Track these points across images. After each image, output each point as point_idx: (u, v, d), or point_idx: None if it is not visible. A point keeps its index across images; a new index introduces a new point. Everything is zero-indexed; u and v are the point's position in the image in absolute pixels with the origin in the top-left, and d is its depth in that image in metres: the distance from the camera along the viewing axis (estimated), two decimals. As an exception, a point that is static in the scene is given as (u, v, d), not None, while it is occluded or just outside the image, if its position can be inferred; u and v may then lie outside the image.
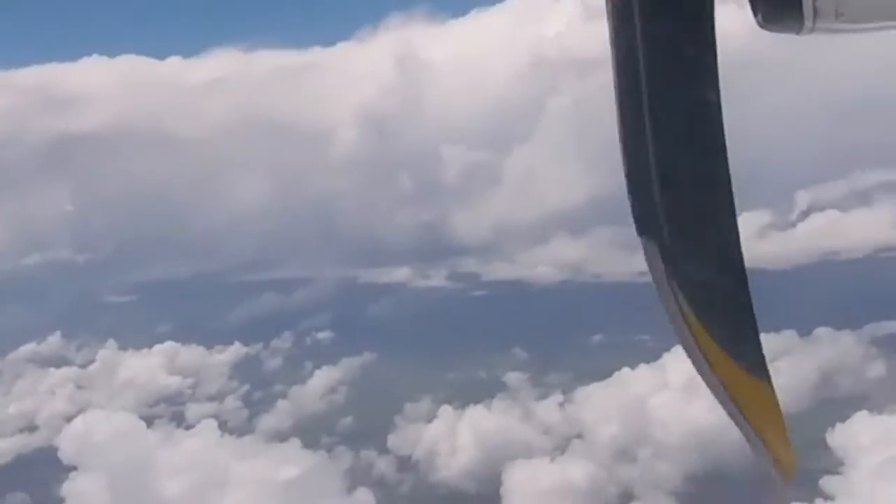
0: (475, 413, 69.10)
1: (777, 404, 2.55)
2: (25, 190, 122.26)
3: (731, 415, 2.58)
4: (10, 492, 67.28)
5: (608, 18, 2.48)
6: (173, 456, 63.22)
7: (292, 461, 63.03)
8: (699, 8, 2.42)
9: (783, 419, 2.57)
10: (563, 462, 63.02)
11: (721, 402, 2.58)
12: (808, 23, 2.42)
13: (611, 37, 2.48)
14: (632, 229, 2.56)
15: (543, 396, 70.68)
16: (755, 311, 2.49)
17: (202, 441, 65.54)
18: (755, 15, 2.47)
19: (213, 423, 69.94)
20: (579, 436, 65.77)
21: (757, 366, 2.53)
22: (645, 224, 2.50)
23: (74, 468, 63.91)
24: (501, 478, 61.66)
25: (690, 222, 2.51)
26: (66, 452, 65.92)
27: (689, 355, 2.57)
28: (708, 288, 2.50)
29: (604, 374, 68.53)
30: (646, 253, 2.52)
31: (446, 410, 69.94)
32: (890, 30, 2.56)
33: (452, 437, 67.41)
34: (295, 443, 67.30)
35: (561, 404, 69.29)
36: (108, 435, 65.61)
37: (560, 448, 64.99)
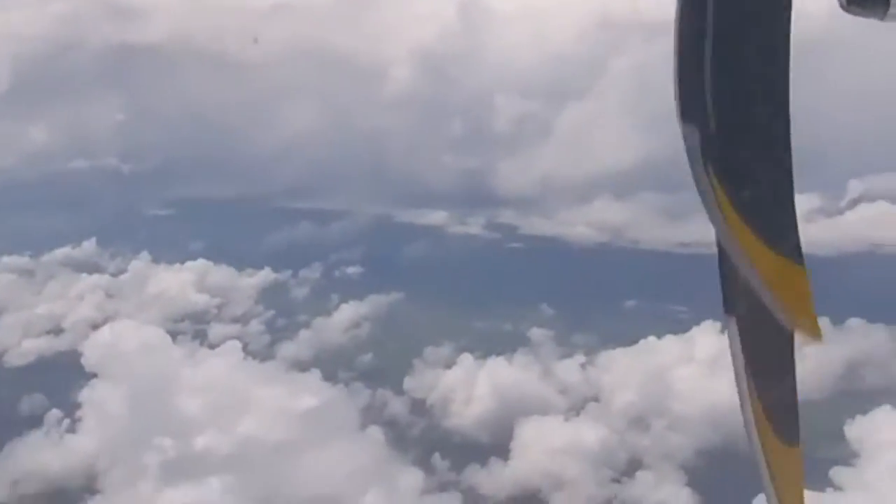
0: (495, 364, 68.86)
1: (807, 284, 2.54)
2: (80, 95, 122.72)
3: (757, 288, 2.53)
4: (28, 392, 68.08)
5: None
6: (195, 373, 63.59)
7: (311, 392, 63.18)
8: None
9: (811, 297, 2.54)
10: (577, 423, 62.81)
11: (749, 276, 2.55)
12: (893, 9, 2.40)
13: None
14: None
15: (566, 356, 70.15)
16: (794, 203, 2.50)
17: (225, 362, 65.81)
18: None
19: (238, 345, 70.37)
20: (596, 399, 65.44)
21: (791, 250, 2.54)
22: (689, 109, 2.48)
23: (95, 375, 64.54)
24: (513, 432, 61.61)
25: (739, 112, 2.47)
26: (88, 359, 66.45)
27: (722, 238, 2.56)
28: (749, 174, 2.49)
29: (630, 340, 67.74)
30: (685, 139, 2.50)
31: (466, 358, 69.77)
32: None
33: (469, 385, 67.41)
34: (315, 374, 67.34)
35: (582, 365, 68.76)
36: (132, 345, 65.99)
37: (575, 409, 64.73)
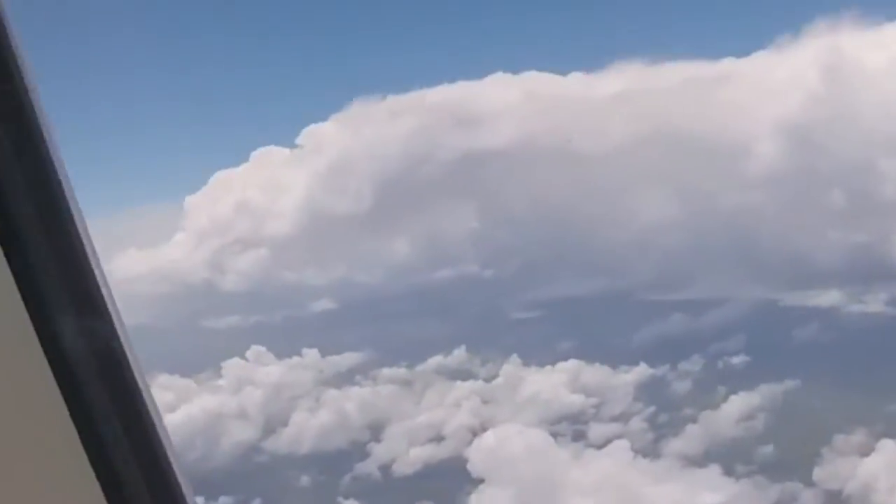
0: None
1: None
2: (435, 206, 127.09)
3: None
4: (418, 499, 68.96)
5: None
6: (584, 474, 60.98)
7: (712, 488, 58.43)
8: None
9: None
10: None
11: None
12: None
13: None
14: None
15: None
16: None
17: (613, 461, 62.80)
18: None
19: (626, 444, 67.41)
20: None
21: None
22: None
23: (482, 480, 64.22)
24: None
25: None
26: (474, 464, 66.13)
27: None
28: None
29: None
30: None
31: (886, 444, 61.96)
32: None
33: (891, 473, 60.24)
34: (714, 469, 62.52)
35: None
36: (517, 449, 65.06)
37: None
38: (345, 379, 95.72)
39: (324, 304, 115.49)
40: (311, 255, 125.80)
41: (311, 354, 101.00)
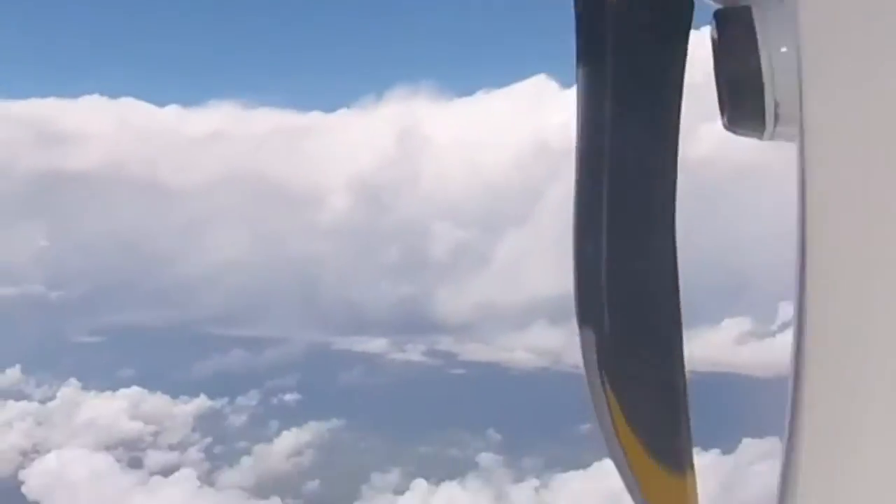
0: (448, 489, 68.81)
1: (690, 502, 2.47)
2: (6, 221, 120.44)
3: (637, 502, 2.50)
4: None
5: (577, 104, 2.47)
6: (146, 502, 62.11)
7: None
8: (667, 110, 2.39)
9: None
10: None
11: (632, 490, 2.51)
12: (769, 128, 2.34)
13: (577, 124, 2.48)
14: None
15: (518, 479, 70.58)
16: (689, 410, 2.45)
17: (178, 489, 64.49)
18: (721, 116, 2.41)
19: (192, 473, 69.18)
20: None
21: (679, 465, 2.46)
22: (586, 310, 2.44)
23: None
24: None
25: (632, 315, 2.44)
26: (31, 487, 64.54)
27: (610, 449, 2.50)
28: (641, 382, 2.44)
29: (582, 463, 68.41)
30: (582, 343, 2.45)
31: (420, 484, 69.53)
32: None
33: (419, 510, 67.37)
34: (275, 501, 66.37)
35: (536, 489, 69.21)
36: (80, 473, 64.33)
37: (531, 532, 65.00)
38: None
39: None
40: None
41: None
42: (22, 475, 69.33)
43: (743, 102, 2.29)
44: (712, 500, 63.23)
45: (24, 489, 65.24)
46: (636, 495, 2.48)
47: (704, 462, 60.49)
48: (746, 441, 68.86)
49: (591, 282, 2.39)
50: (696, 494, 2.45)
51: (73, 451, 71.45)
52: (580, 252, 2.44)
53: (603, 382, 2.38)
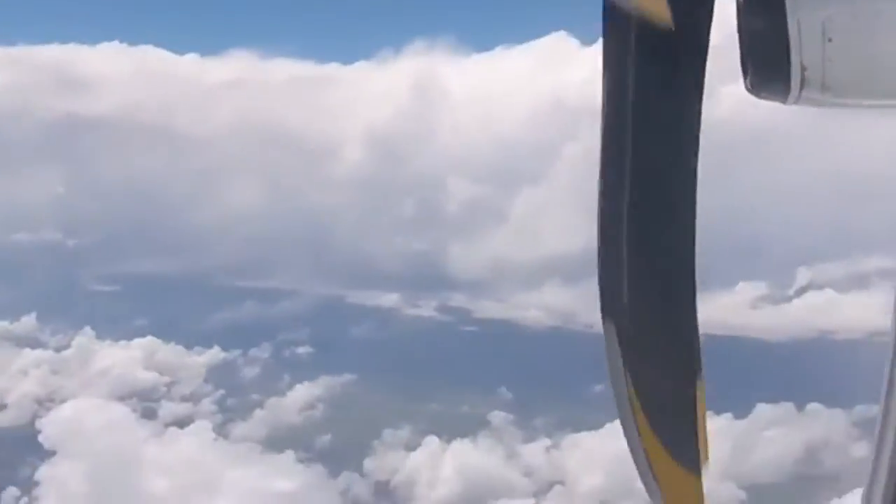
0: (460, 447, 69.15)
1: (701, 501, 2.57)
2: (24, 167, 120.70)
3: (653, 496, 2.59)
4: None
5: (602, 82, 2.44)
6: (162, 452, 62.59)
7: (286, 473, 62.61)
8: (692, 76, 2.40)
9: None
10: (545, 506, 63.39)
11: (645, 484, 2.60)
12: (794, 92, 2.38)
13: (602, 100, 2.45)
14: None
15: (529, 439, 70.83)
16: (703, 404, 2.51)
17: (193, 441, 64.97)
18: (745, 79, 2.46)
19: (208, 425, 69.64)
20: (562, 482, 66.13)
21: (692, 463, 2.53)
22: (609, 302, 2.50)
23: (53, 452, 63.23)
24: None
25: (652, 311, 2.51)
26: (47, 436, 64.99)
27: (628, 439, 2.57)
28: (657, 379, 2.51)
29: (594, 424, 68.58)
30: (605, 335, 2.52)
31: (432, 441, 69.90)
32: (880, 109, 2.54)
33: (435, 468, 67.71)
34: (290, 455, 66.80)
35: (547, 449, 69.48)
36: (96, 423, 64.73)
37: (541, 492, 65.33)
38: None
39: None
40: None
41: None
42: (38, 424, 69.67)
43: (768, 66, 2.34)
44: (724, 464, 63.68)
45: (40, 438, 65.68)
46: (654, 492, 2.55)
47: (717, 426, 60.49)
48: (761, 406, 68.88)
49: (613, 274, 2.44)
50: (701, 497, 2.54)
51: (89, 401, 71.70)
52: (604, 240, 2.47)
53: (627, 381, 2.45)
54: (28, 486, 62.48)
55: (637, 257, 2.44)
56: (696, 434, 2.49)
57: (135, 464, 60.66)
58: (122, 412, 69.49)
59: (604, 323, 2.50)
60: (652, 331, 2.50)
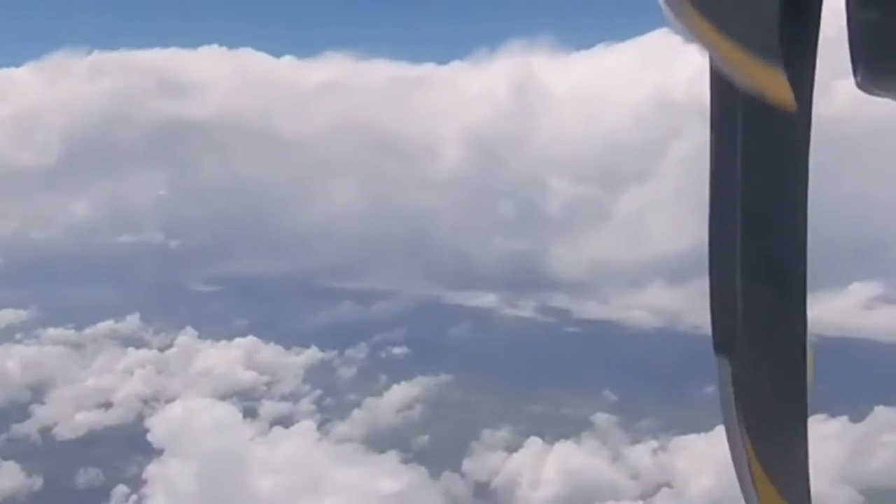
0: (564, 449, 67.86)
1: None
2: (127, 170, 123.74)
3: None
4: (84, 466, 67.42)
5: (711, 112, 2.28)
6: (269, 452, 62.80)
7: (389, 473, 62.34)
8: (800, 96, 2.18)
9: None
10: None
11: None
12: None
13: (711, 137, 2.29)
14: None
15: (635, 441, 69.17)
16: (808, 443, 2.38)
17: (299, 441, 65.08)
18: (854, 75, 2.17)
19: (312, 425, 69.81)
20: (669, 485, 64.33)
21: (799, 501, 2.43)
22: (722, 342, 2.35)
23: (160, 451, 63.96)
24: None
25: (764, 349, 2.36)
26: (156, 434, 65.73)
27: (739, 477, 2.46)
28: (768, 418, 2.39)
29: (704, 426, 66.50)
30: (719, 370, 2.38)
31: (535, 442, 68.76)
32: None
33: (536, 469, 66.63)
34: (392, 456, 66.57)
35: (654, 451, 67.70)
36: (204, 422, 65.22)
37: (647, 495, 63.70)
38: (3, 336, 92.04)
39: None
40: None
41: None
42: (147, 423, 70.71)
43: (880, 60, 2.15)
44: (842, 467, 61.23)
45: (149, 437, 66.45)
46: None
47: (832, 429, 57.92)
48: (878, 409, 66.09)
49: (727, 310, 2.31)
50: None
51: (197, 400, 72.43)
52: (716, 279, 2.32)
53: (739, 421, 2.37)
54: (137, 483, 63.40)
55: (750, 294, 2.28)
56: (804, 473, 2.42)
57: (241, 463, 60.77)
58: (228, 411, 69.60)
59: (717, 358, 2.35)
60: (764, 371, 2.36)
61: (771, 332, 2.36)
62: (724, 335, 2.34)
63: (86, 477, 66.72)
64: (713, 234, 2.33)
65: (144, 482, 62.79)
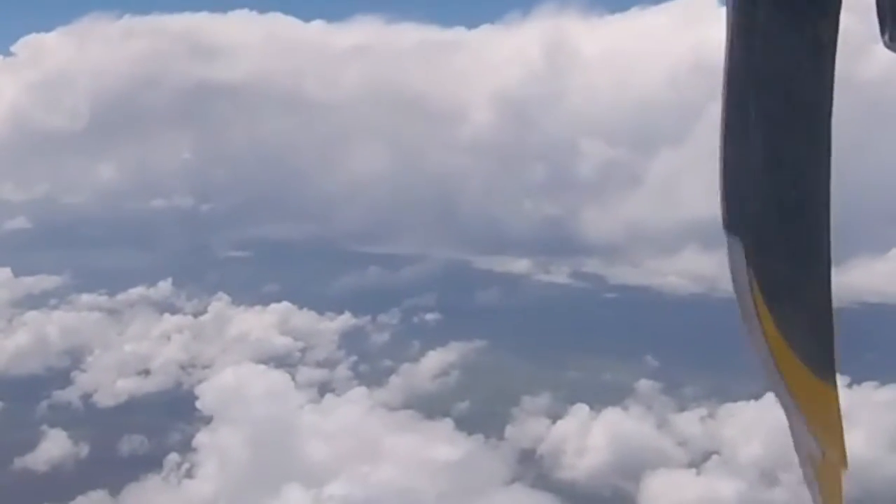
0: (611, 416, 67.66)
1: (839, 410, 2.44)
2: (158, 134, 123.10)
3: (788, 413, 2.46)
4: (128, 433, 67.06)
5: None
6: (321, 420, 62.62)
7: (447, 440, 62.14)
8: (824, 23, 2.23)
9: (842, 425, 2.45)
10: (705, 477, 61.58)
11: (781, 400, 2.46)
12: None
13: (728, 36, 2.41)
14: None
15: (681, 408, 69.06)
16: (835, 320, 2.37)
17: (352, 408, 64.85)
18: (882, 35, 2.26)
19: (365, 392, 69.46)
20: (718, 452, 64.30)
21: (826, 373, 2.41)
22: (734, 221, 2.37)
23: (211, 419, 63.83)
24: (639, 484, 60.51)
25: (782, 222, 2.39)
26: (205, 402, 65.58)
27: (758, 353, 2.43)
28: (789, 288, 2.40)
29: (753, 394, 66.43)
30: (729, 251, 2.39)
31: (581, 409, 68.41)
32: None
33: (583, 437, 66.41)
34: (448, 422, 66.23)
35: (702, 418, 67.66)
36: (255, 390, 64.98)
37: (697, 462, 63.62)
38: (38, 302, 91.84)
39: (20, 223, 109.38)
40: (11, 170, 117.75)
41: (2, 273, 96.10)
42: (188, 389, 70.47)
43: None
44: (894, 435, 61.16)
45: (198, 404, 66.23)
46: (783, 396, 2.44)
47: (883, 398, 57.48)
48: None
49: (739, 189, 2.35)
50: (839, 406, 2.45)
51: (247, 367, 72.14)
52: (728, 158, 2.36)
53: (752, 286, 2.35)
54: (186, 450, 63.20)
55: (768, 169, 2.33)
56: (830, 344, 2.39)
57: (293, 430, 60.63)
58: (278, 378, 69.34)
59: (728, 237, 2.35)
60: (782, 244, 2.38)
61: (792, 213, 2.35)
62: (737, 215, 2.33)
63: (131, 444, 66.44)
64: (728, 121, 2.39)
65: (193, 450, 62.60)
